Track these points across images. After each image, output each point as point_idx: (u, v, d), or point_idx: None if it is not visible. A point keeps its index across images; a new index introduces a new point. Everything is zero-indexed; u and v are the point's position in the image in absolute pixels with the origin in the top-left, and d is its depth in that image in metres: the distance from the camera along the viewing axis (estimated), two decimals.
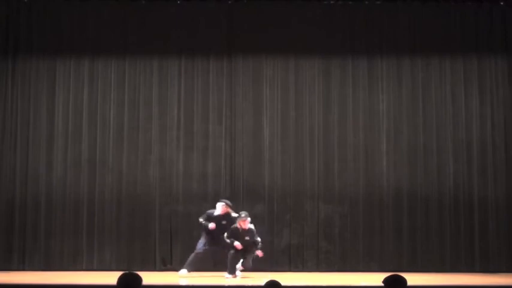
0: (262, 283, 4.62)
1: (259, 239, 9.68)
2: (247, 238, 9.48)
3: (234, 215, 9.83)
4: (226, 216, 9.80)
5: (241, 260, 9.55)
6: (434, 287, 8.93)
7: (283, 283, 4.63)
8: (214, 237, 9.69)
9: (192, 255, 9.74)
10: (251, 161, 10.96)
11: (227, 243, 9.45)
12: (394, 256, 10.72)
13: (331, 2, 11.23)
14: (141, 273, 4.37)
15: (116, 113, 11.01)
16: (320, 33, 11.13)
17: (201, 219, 9.82)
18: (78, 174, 10.83)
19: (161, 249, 10.70)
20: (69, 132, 10.94)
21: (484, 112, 11.04)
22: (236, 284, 8.82)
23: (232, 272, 9.36)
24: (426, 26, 11.16)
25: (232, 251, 9.41)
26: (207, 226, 9.65)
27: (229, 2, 11.22)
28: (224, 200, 10.02)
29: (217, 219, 9.75)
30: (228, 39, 11.16)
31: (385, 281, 4.26)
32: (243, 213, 9.67)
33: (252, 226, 9.69)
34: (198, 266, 9.73)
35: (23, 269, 10.53)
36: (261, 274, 9.54)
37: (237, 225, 9.54)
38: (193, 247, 9.90)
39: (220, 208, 9.86)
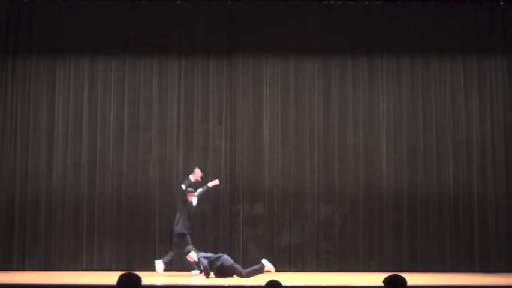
0: (263, 283, 4.62)
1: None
2: None
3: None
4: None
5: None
6: (434, 287, 8.93)
7: (283, 283, 4.64)
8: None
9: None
10: (251, 161, 10.96)
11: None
12: (394, 256, 10.72)
13: (331, 2, 11.23)
14: (141, 273, 4.38)
15: (116, 113, 11.02)
16: (320, 33, 11.14)
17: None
18: (78, 174, 10.83)
19: (161, 249, 10.70)
20: (69, 132, 10.94)
21: (483, 112, 11.04)
22: (236, 284, 8.82)
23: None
24: (426, 26, 11.17)
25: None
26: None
27: (229, 2, 11.23)
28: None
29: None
30: (228, 39, 11.16)
31: (385, 281, 4.26)
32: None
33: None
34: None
35: (23, 269, 10.53)
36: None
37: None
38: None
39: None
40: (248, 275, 9.37)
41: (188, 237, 9.70)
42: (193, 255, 9.45)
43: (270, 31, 11.07)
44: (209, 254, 9.54)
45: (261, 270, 9.54)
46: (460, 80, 11.13)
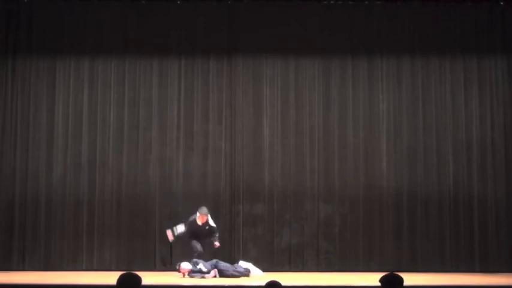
0: (263, 283, 4.63)
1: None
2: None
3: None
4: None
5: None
6: (434, 287, 8.92)
7: (283, 283, 4.64)
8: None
9: None
10: (251, 161, 10.96)
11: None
12: (394, 256, 10.71)
13: (331, 2, 11.23)
14: (141, 273, 4.38)
15: (116, 113, 11.02)
16: (320, 33, 11.14)
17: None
18: (78, 174, 10.83)
19: (161, 249, 10.70)
20: (69, 132, 10.94)
21: (483, 112, 11.04)
22: (236, 284, 8.83)
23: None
24: (426, 26, 11.16)
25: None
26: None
27: (229, 2, 11.22)
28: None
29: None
30: (228, 39, 11.16)
31: (382, 280, 4.25)
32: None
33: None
34: None
35: (23, 269, 10.53)
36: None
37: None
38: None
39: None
40: (233, 275, 9.50)
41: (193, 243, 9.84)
42: (184, 266, 9.50)
43: (270, 31, 11.06)
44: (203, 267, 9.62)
45: (246, 274, 9.67)
46: (460, 80, 11.12)
